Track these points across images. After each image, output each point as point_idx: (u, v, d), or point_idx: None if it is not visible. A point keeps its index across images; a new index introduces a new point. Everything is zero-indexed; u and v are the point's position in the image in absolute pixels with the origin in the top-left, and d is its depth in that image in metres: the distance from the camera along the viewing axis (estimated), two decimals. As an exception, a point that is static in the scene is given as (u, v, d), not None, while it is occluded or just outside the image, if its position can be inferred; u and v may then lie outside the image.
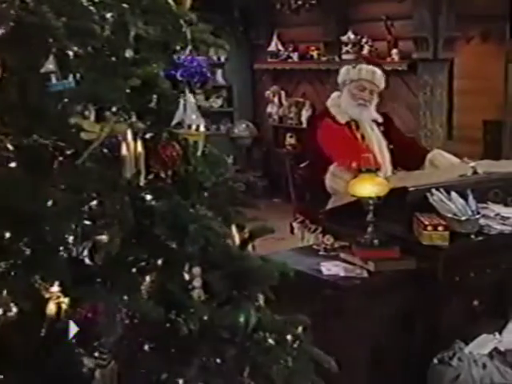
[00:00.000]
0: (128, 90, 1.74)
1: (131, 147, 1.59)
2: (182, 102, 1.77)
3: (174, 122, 1.77)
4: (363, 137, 3.96)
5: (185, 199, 1.84)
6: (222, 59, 8.74)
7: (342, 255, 3.39)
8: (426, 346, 3.30)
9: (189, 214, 1.60)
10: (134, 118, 1.69)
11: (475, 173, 3.72)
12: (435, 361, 3.25)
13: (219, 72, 8.81)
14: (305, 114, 8.21)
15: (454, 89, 8.39)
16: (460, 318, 3.38)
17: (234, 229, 1.84)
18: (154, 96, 1.79)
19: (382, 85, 4.01)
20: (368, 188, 3.24)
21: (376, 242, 3.30)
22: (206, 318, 1.57)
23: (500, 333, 3.39)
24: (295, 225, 4.19)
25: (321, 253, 3.48)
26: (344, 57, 7.43)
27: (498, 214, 3.46)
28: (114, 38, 1.69)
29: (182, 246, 1.59)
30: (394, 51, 7.19)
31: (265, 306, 1.91)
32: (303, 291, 3.30)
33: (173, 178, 1.87)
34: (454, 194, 3.39)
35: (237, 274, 1.66)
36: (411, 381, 3.29)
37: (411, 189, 3.39)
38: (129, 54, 1.76)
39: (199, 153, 1.91)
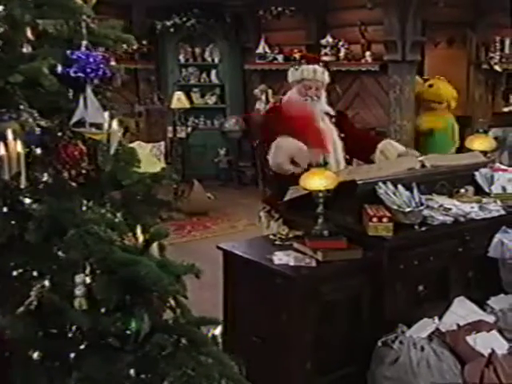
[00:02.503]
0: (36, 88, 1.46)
1: (11, 147, 1.29)
2: (81, 99, 1.47)
3: (74, 120, 1.47)
4: None
5: (95, 199, 1.55)
6: (216, 61, 8.52)
7: (295, 245, 3.10)
8: (372, 330, 3.02)
9: (70, 219, 1.31)
10: (25, 116, 1.39)
11: (423, 166, 3.43)
12: (379, 344, 2.97)
13: (213, 72, 8.58)
14: (289, 110, 7.94)
15: (424, 88, 8.12)
16: (405, 303, 3.10)
17: (139, 229, 1.54)
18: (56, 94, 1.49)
19: (326, 79, 3.69)
20: (317, 181, 2.96)
21: (325, 232, 3.02)
22: (89, 326, 1.29)
23: (441, 316, 3.12)
24: (262, 214, 3.91)
25: (276, 242, 3.20)
26: (323, 58, 7.16)
27: (441, 206, 3.16)
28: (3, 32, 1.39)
29: (65, 253, 1.30)
30: (368, 53, 7.15)
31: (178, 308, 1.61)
32: (256, 280, 3.04)
33: (86, 177, 1.58)
34: (400, 187, 3.10)
35: (125, 280, 1.37)
36: (357, 364, 3.01)
37: (360, 182, 3.10)
38: (26, 49, 1.46)
39: (112, 151, 1.62)
